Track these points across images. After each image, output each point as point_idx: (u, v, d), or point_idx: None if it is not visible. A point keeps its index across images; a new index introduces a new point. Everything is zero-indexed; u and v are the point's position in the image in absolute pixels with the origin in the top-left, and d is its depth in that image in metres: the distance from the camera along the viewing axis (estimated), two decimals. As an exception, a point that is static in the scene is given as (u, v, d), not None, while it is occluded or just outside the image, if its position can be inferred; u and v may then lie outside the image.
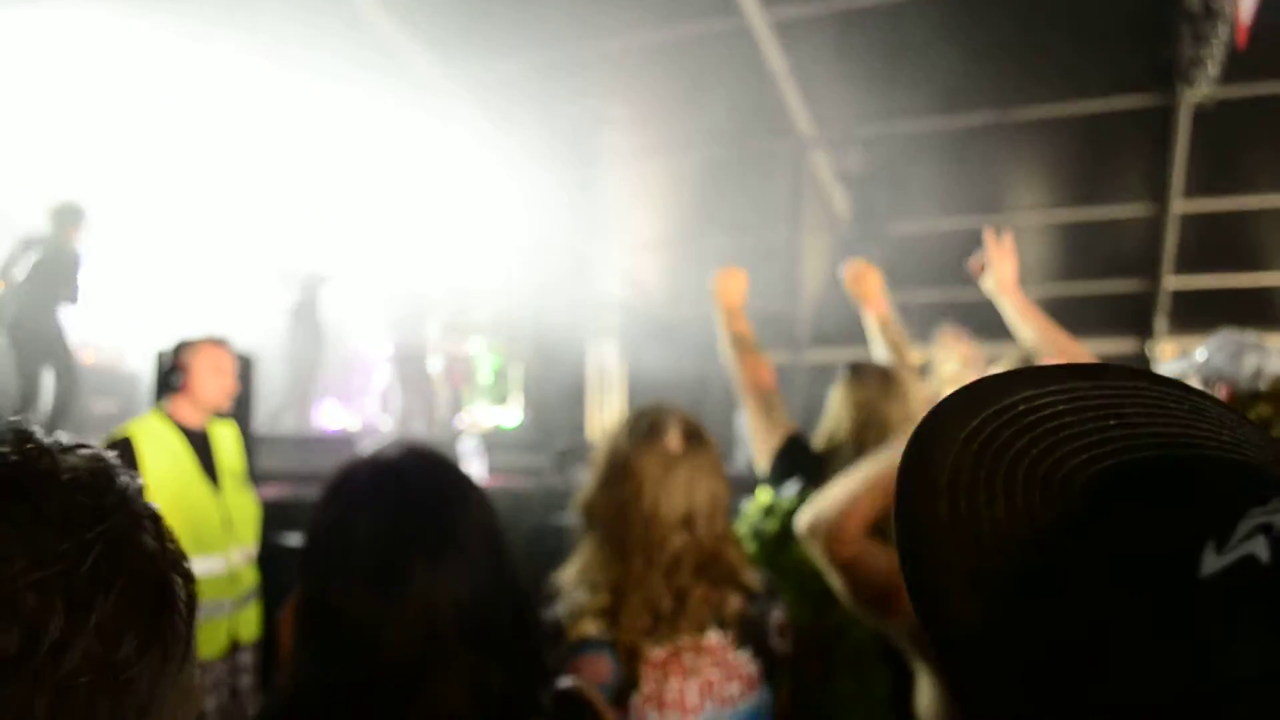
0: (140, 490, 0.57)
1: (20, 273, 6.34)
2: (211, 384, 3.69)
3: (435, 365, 9.53)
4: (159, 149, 8.26)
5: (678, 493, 1.74)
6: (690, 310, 9.79)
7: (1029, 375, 0.51)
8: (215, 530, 3.62)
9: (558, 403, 8.69)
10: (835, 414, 2.57)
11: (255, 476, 4.47)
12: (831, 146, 8.57)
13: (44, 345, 6.38)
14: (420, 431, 8.88)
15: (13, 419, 0.55)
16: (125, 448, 3.39)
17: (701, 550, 1.74)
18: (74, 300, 6.52)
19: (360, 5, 7.31)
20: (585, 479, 1.87)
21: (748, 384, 2.69)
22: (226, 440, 3.85)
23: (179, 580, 0.55)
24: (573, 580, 1.76)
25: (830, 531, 1.69)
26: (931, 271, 8.63)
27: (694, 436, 1.83)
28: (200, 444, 3.68)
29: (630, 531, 1.73)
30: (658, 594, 1.70)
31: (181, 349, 3.68)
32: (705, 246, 9.46)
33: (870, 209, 8.50)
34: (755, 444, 2.64)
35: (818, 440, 2.58)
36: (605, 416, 9.19)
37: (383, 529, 1.11)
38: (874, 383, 2.55)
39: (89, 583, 0.49)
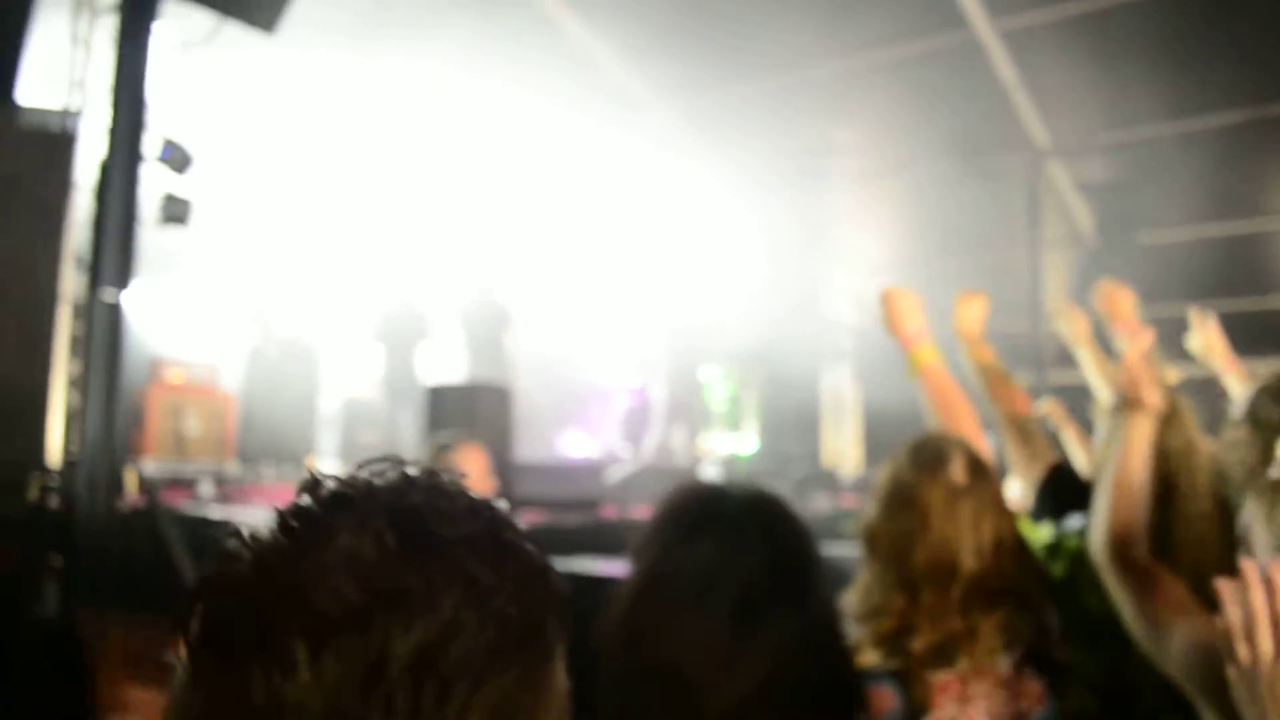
0: None
1: (386, 338, 8.47)
2: (479, 487, 3.95)
3: (684, 394, 9.70)
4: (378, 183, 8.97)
5: (965, 524, 1.74)
6: (924, 332, 9.56)
7: None
8: None
9: (792, 429, 8.69)
10: (1108, 443, 2.48)
11: (513, 503, 4.66)
12: (1069, 156, 8.23)
13: (407, 387, 8.30)
14: (676, 460, 9.04)
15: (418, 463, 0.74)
16: None
17: (990, 580, 1.74)
18: (426, 340, 8.60)
19: (580, 40, 7.67)
20: (866, 507, 1.88)
21: (1003, 414, 2.63)
22: None
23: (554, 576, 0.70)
24: (855, 607, 1.78)
25: (1113, 549, 1.67)
26: (1188, 283, 8.09)
27: (977, 469, 1.81)
28: None
29: (915, 561, 1.73)
30: (949, 624, 1.70)
31: (457, 454, 3.86)
32: (940, 267, 9.25)
33: (1117, 219, 8.09)
34: (1017, 476, 2.59)
35: (1087, 469, 2.50)
36: (840, 443, 9.12)
37: (754, 574, 1.14)
38: None
39: (496, 554, 0.65)
